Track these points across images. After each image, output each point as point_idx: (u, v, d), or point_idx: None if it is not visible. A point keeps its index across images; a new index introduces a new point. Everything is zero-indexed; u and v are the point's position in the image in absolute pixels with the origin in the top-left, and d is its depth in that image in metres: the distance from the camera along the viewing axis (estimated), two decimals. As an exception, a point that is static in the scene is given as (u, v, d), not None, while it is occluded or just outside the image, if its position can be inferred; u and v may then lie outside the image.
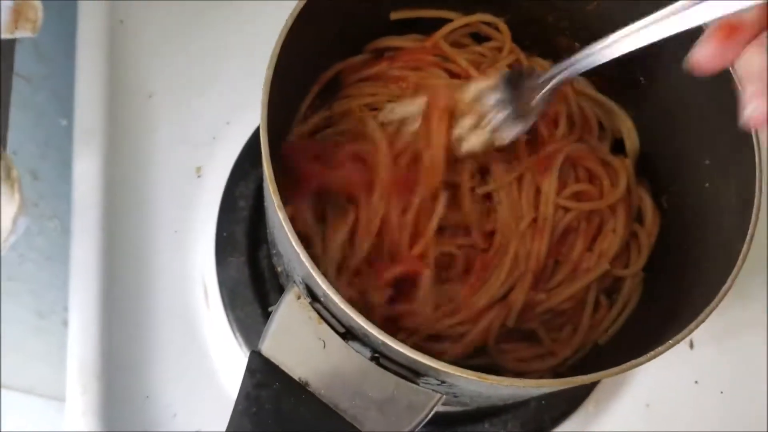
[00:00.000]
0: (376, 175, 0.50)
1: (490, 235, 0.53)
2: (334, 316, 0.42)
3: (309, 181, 0.51)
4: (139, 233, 0.61)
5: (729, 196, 0.47)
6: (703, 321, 0.41)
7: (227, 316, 0.59)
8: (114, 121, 0.63)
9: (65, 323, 0.80)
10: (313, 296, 0.42)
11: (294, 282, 0.43)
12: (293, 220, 0.41)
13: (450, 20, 0.57)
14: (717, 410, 0.61)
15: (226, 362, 0.59)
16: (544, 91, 0.49)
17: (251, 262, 0.60)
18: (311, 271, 0.39)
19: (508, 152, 0.54)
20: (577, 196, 0.54)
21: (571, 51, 0.54)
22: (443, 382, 0.42)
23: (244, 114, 0.65)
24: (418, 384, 0.41)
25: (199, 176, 0.64)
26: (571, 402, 0.59)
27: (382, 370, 0.41)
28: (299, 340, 0.41)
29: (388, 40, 0.57)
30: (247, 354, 0.56)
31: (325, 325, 0.41)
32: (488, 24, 0.58)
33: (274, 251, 0.52)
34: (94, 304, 0.57)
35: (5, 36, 0.53)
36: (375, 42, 0.57)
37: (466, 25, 0.57)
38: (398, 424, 0.41)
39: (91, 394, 0.56)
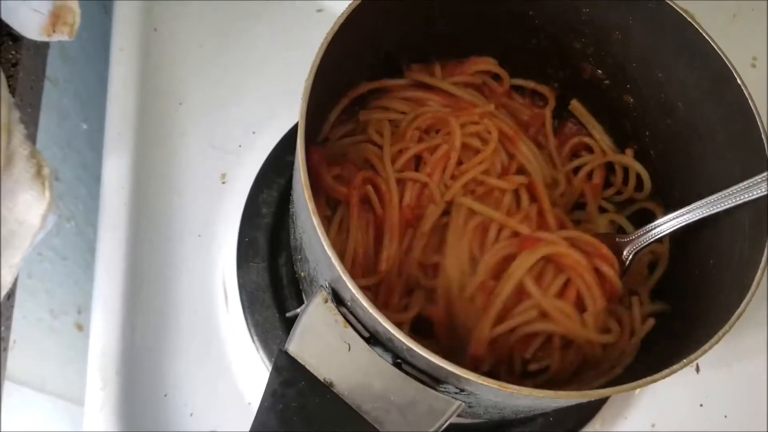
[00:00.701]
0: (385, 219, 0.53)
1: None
2: (359, 321, 0.43)
3: (322, 189, 0.53)
4: (164, 235, 0.63)
5: (742, 225, 0.49)
6: (716, 343, 0.42)
7: (246, 319, 0.60)
8: (144, 126, 0.65)
9: (77, 325, 0.81)
10: (339, 300, 0.44)
11: (321, 286, 0.45)
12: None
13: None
14: (721, 434, 0.62)
15: (243, 364, 0.60)
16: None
17: (271, 267, 0.62)
18: (341, 275, 0.40)
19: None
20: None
21: (594, 77, 0.57)
22: (462, 390, 0.43)
23: (270, 124, 0.67)
24: (437, 390, 0.42)
25: (223, 182, 0.65)
26: (578, 419, 0.60)
27: (404, 375, 0.42)
28: (325, 343, 0.43)
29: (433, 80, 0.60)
30: (264, 357, 0.58)
31: (350, 329, 0.43)
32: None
33: (299, 257, 0.53)
34: (117, 301, 0.59)
35: (43, 39, 0.55)
36: (416, 74, 0.59)
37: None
38: (419, 427, 0.42)
39: (110, 389, 0.57)
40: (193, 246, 0.63)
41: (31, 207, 0.52)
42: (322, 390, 0.42)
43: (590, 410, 0.61)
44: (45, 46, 0.63)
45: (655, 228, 0.54)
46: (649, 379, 0.41)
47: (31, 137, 0.63)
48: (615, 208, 0.62)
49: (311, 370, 0.42)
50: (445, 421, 0.42)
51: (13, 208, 0.52)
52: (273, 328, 0.60)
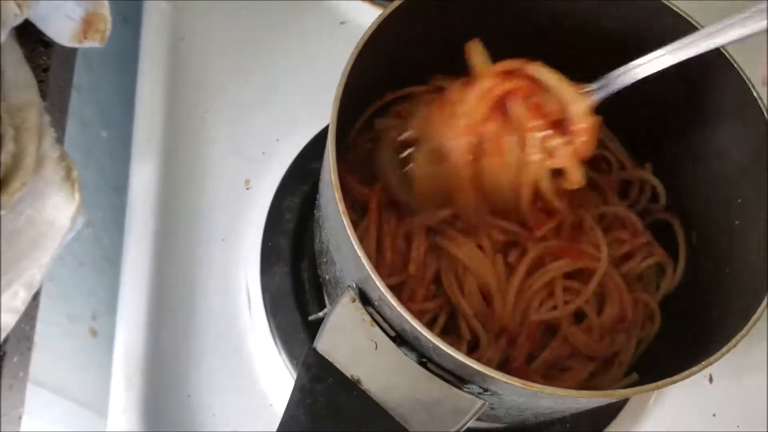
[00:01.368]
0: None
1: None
2: (386, 320, 0.44)
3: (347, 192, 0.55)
4: (189, 240, 0.64)
5: (758, 233, 0.50)
6: (733, 347, 0.44)
7: (268, 322, 0.61)
8: (171, 133, 0.67)
9: (91, 331, 0.82)
10: (366, 300, 0.45)
11: (348, 286, 0.46)
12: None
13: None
14: (733, 444, 0.63)
15: (266, 367, 0.61)
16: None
17: (294, 272, 0.63)
18: (370, 273, 0.42)
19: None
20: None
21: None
22: (486, 390, 0.44)
23: (293, 133, 0.68)
24: (462, 389, 0.44)
25: (248, 189, 0.67)
26: (594, 426, 0.61)
27: (429, 374, 0.44)
28: (352, 341, 0.44)
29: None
30: (286, 360, 0.59)
31: (377, 328, 0.44)
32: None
33: (324, 260, 0.55)
34: (143, 302, 0.60)
35: (74, 45, 0.56)
36: (440, 81, 0.60)
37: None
38: (443, 426, 0.43)
39: (134, 390, 0.58)
40: (218, 250, 0.64)
41: (61, 208, 0.53)
42: (349, 386, 0.43)
43: (605, 418, 0.62)
44: (73, 53, 0.65)
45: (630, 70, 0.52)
46: (669, 380, 0.42)
47: (59, 141, 0.64)
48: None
49: (339, 368, 0.43)
50: (469, 420, 0.43)
51: (43, 210, 0.53)
52: (295, 332, 0.61)
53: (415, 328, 0.41)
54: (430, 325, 0.55)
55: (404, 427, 0.42)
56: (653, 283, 0.60)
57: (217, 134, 0.68)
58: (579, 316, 0.57)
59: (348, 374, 0.43)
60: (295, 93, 0.70)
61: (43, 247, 0.54)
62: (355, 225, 0.54)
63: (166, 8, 0.71)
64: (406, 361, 0.44)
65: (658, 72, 0.49)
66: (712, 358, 0.43)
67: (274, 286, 0.62)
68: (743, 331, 0.44)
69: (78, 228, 0.55)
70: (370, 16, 0.49)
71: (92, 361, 0.67)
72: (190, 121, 0.68)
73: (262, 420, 0.58)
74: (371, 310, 0.45)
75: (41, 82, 0.59)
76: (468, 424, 0.43)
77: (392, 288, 0.41)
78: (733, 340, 0.44)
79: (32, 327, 0.60)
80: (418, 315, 0.53)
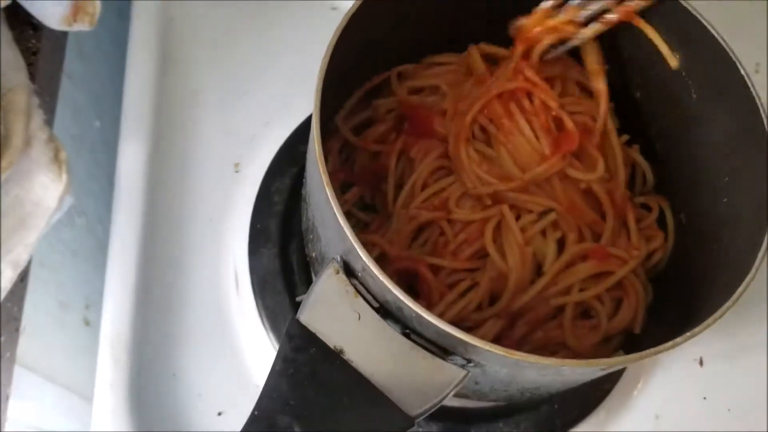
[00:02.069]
0: None
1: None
2: (369, 291, 0.44)
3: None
4: (178, 221, 0.64)
5: (746, 209, 0.50)
6: (720, 317, 0.43)
7: (256, 303, 0.61)
8: (160, 114, 0.66)
9: (84, 320, 0.82)
10: (350, 272, 0.45)
11: (333, 259, 0.46)
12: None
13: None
14: (723, 426, 0.63)
15: (253, 348, 0.61)
16: None
17: (282, 254, 0.63)
18: (353, 244, 0.41)
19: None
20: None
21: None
22: (469, 361, 0.44)
23: (282, 116, 0.68)
24: (445, 360, 0.43)
25: (237, 171, 0.67)
26: (583, 408, 0.61)
27: (411, 344, 0.43)
28: (336, 312, 0.44)
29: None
30: (273, 340, 0.59)
31: (360, 299, 0.44)
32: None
33: (311, 237, 0.54)
34: (131, 282, 0.60)
35: (63, 28, 0.56)
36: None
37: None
38: (425, 395, 0.43)
39: (120, 368, 0.58)
40: (206, 232, 0.64)
41: (48, 188, 0.53)
42: (332, 356, 0.43)
43: (594, 400, 0.61)
44: (64, 37, 0.65)
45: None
46: (653, 350, 0.42)
47: (48, 124, 0.64)
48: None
49: (322, 338, 0.43)
50: (451, 390, 0.43)
51: (30, 190, 0.53)
52: (283, 312, 0.61)
53: (398, 298, 0.41)
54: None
55: (387, 396, 0.42)
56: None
57: (206, 116, 0.68)
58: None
59: (331, 344, 0.43)
60: (285, 77, 0.70)
61: (29, 226, 0.54)
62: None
63: (156, -12, 0.71)
64: (389, 331, 0.43)
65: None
66: (697, 329, 0.43)
67: (263, 268, 0.62)
68: (729, 303, 0.44)
69: (65, 209, 0.55)
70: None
71: (85, 350, 0.67)
72: (180, 102, 0.68)
73: (249, 399, 0.58)
74: (355, 281, 0.44)
75: (30, 65, 0.59)
76: (451, 395, 0.43)
77: (377, 260, 0.42)
78: (719, 311, 0.43)
79: (20, 309, 0.60)
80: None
